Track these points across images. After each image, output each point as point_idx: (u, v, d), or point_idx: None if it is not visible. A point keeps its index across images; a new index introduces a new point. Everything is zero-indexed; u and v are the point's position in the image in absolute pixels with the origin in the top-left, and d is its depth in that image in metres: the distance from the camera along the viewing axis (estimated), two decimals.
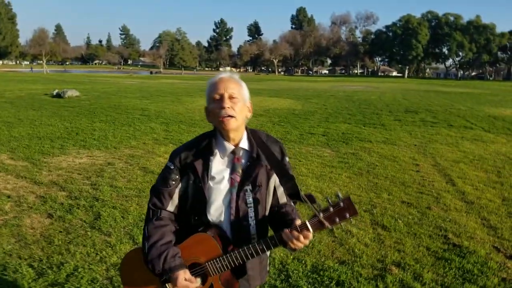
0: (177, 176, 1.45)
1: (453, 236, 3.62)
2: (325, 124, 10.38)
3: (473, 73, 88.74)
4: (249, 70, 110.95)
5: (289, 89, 26.36)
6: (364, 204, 4.42)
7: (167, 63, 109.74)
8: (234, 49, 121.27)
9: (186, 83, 32.77)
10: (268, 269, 1.63)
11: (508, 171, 6.06)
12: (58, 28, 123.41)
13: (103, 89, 21.06)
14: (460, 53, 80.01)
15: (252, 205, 1.44)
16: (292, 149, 7.25)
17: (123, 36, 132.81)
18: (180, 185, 1.46)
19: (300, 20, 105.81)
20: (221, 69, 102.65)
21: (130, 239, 3.38)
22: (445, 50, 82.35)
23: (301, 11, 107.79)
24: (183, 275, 1.37)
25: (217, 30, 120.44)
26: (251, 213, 1.44)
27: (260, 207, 1.46)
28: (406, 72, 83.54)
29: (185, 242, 1.43)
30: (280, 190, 1.52)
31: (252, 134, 1.49)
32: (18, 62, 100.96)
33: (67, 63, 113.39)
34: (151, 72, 75.37)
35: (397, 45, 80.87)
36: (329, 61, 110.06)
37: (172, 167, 1.45)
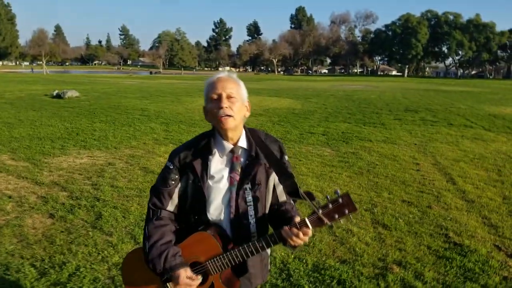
0: (177, 176, 1.46)
1: (454, 235, 3.63)
2: (325, 124, 10.39)
3: (473, 72, 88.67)
4: (249, 70, 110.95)
5: (288, 88, 26.36)
6: (365, 203, 4.43)
7: (167, 63, 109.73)
8: (234, 49, 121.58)
9: (185, 83, 32.77)
10: (269, 267, 1.63)
11: (508, 169, 6.06)
12: (58, 29, 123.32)
13: (103, 89, 21.06)
14: (460, 52, 79.99)
15: (251, 203, 1.44)
16: (292, 148, 7.26)
17: (122, 37, 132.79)
18: (179, 184, 1.47)
19: (300, 19, 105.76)
20: (220, 69, 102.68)
21: (132, 239, 3.38)
22: (444, 49, 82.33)
23: (300, 10, 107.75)
24: (185, 273, 1.38)
25: (217, 30, 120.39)
26: (251, 211, 1.45)
27: (259, 205, 1.47)
28: (406, 71, 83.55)
29: (185, 241, 1.44)
30: (280, 188, 1.52)
31: (251, 133, 1.50)
32: (18, 63, 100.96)
33: (67, 63, 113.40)
34: (150, 72, 75.39)
35: (396, 44, 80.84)
36: (328, 61, 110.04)
37: (172, 167, 1.46)
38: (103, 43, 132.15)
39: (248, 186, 1.43)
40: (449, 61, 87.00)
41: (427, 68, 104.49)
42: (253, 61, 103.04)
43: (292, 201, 1.55)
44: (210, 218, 1.45)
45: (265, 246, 1.37)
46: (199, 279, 1.41)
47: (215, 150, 1.45)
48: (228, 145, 1.44)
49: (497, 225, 3.86)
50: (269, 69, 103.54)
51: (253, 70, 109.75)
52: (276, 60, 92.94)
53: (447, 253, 3.25)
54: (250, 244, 1.37)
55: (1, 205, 4.07)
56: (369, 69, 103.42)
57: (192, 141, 1.50)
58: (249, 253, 1.38)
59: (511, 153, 7.25)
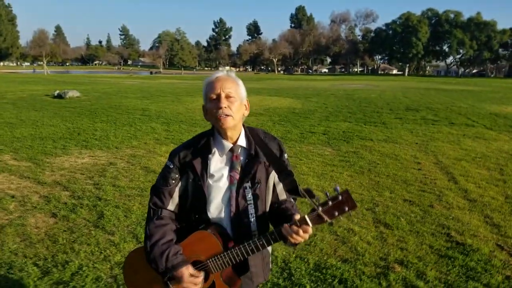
0: (177, 175, 1.46)
1: (456, 234, 3.62)
2: (325, 123, 10.38)
3: (474, 71, 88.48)
4: (249, 70, 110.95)
5: (288, 88, 26.35)
6: (366, 202, 4.43)
7: (167, 63, 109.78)
8: (234, 48, 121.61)
9: (186, 83, 32.78)
10: (270, 266, 1.64)
11: (511, 168, 6.05)
12: (58, 29, 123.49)
13: (104, 89, 21.08)
14: (461, 51, 79.85)
15: (251, 201, 1.45)
16: (293, 148, 7.26)
17: (122, 37, 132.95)
18: (180, 184, 1.47)
19: (300, 19, 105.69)
20: (220, 68, 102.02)
21: (134, 238, 3.39)
22: (445, 47, 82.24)
23: (300, 10, 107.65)
24: (187, 270, 1.38)
25: (216, 30, 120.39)
26: (251, 210, 1.45)
27: (259, 203, 1.47)
28: (407, 70, 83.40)
29: (186, 240, 1.44)
30: (280, 187, 1.53)
31: (250, 131, 1.50)
32: (19, 63, 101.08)
33: (67, 64, 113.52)
34: (151, 72, 75.39)
35: (397, 43, 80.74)
36: (328, 60, 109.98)
37: (172, 166, 1.46)
38: (103, 43, 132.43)
39: (248, 184, 1.44)
40: (450, 59, 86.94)
41: (428, 67, 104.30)
42: (253, 60, 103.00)
43: (292, 199, 1.55)
44: (210, 217, 1.45)
45: (265, 244, 1.37)
46: (201, 275, 1.41)
47: (215, 149, 1.45)
48: (228, 144, 1.45)
49: (499, 224, 3.86)
50: (269, 68, 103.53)
51: (253, 70, 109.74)
52: (276, 59, 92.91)
53: (449, 252, 3.24)
54: (251, 242, 1.37)
55: (4, 205, 4.08)
56: (370, 68, 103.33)
57: (192, 141, 1.50)
58: (249, 251, 1.38)
59: None
